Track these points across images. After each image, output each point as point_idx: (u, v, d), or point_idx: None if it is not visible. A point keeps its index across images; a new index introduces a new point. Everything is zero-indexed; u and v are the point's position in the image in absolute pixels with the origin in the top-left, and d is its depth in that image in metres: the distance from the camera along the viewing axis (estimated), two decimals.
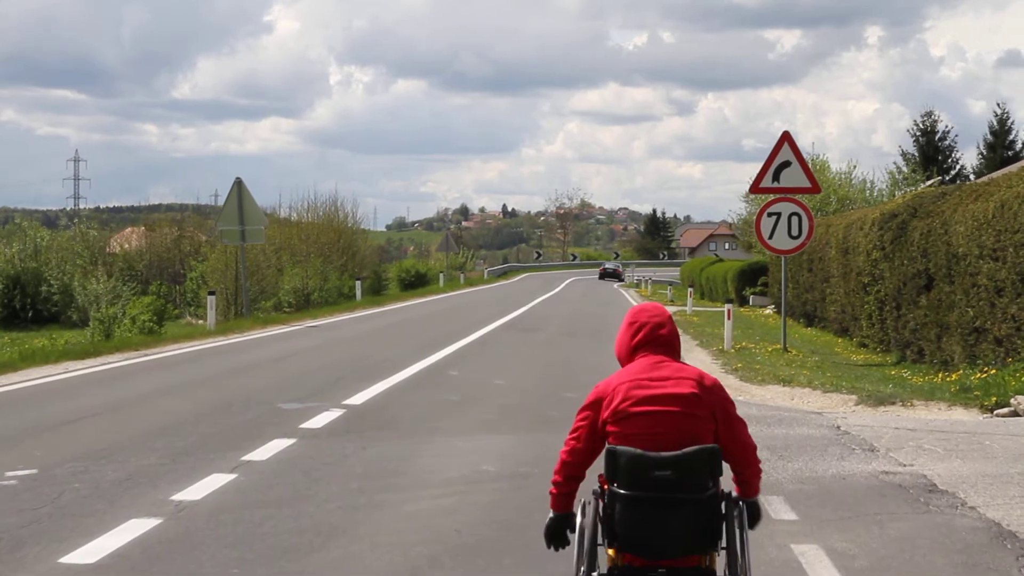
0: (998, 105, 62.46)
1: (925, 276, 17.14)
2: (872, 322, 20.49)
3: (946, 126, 59.89)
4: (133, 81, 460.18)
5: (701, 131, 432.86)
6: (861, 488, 8.47)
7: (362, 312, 34.33)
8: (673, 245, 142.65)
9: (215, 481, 8.38)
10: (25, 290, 41.95)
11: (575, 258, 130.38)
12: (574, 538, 4.39)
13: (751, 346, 20.95)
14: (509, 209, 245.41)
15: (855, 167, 55.66)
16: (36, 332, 35.18)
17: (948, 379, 14.76)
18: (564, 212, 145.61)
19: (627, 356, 4.59)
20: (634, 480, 4.24)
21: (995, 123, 59.22)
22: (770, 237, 19.99)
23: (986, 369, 14.15)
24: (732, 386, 14.36)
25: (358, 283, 43.09)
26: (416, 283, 59.24)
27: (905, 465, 9.33)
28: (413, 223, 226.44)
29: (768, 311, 35.29)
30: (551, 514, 4.47)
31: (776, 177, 19.91)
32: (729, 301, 23.51)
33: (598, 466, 4.44)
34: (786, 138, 20.11)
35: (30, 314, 41.50)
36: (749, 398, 13.75)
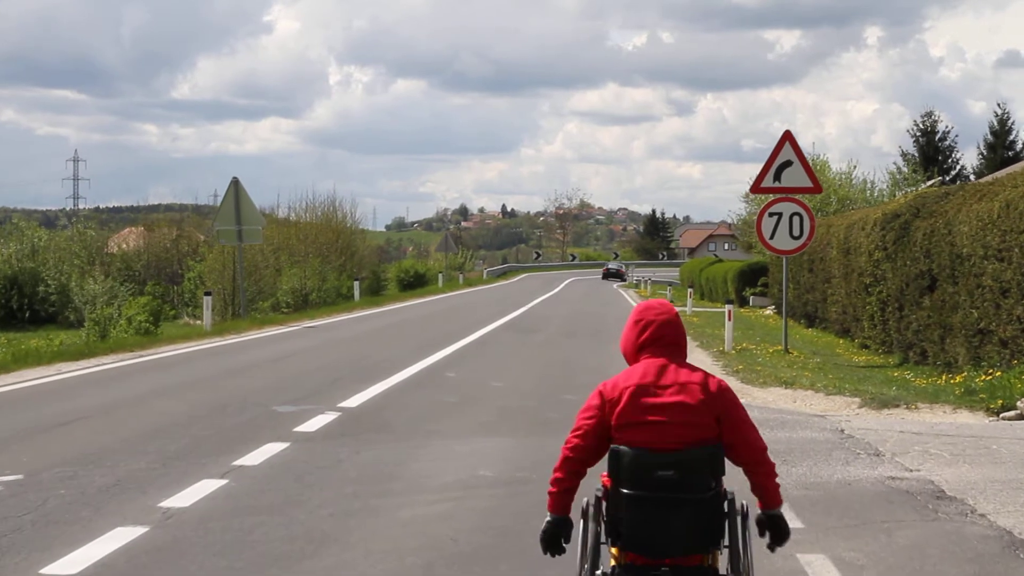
0: (998, 105, 62.30)
1: (928, 277, 16.93)
2: (874, 323, 20.27)
3: (946, 126, 59.73)
4: (133, 81, 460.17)
5: (700, 131, 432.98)
6: (867, 494, 8.26)
7: (360, 312, 34.12)
8: (672, 245, 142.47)
9: (205, 487, 8.16)
10: (22, 290, 41.77)
11: (574, 258, 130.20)
12: (574, 541, 4.36)
13: (752, 347, 20.73)
14: (508, 209, 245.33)
15: (855, 167, 55.43)
16: (33, 332, 34.97)
17: (952, 381, 14.54)
18: (563, 212, 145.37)
19: (633, 354, 4.51)
20: (637, 480, 4.24)
21: (995, 123, 58.99)
22: (771, 237, 19.78)
23: (991, 371, 13.93)
24: (733, 388, 14.10)
25: (356, 283, 42.89)
26: (415, 283, 59.06)
27: (912, 470, 9.11)
28: (412, 223, 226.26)
29: (768, 312, 35.09)
30: (548, 517, 4.37)
31: (777, 177, 19.70)
32: (729, 302, 23.30)
33: (600, 466, 4.40)
34: (787, 137, 19.90)
35: (27, 314, 41.32)
36: (751, 400, 13.51)
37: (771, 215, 19.76)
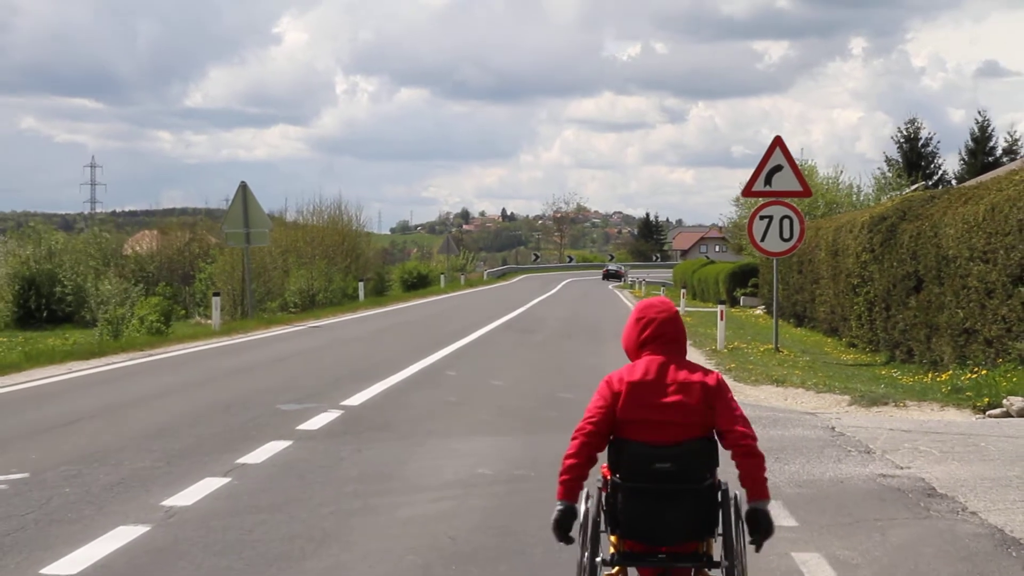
0: (979, 113, 62.34)
1: (914, 278, 16.72)
2: (861, 323, 20.06)
3: (929, 133, 59.55)
4: (148, 90, 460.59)
5: (692, 138, 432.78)
6: (860, 492, 8.03)
7: (365, 312, 33.89)
8: (666, 248, 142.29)
9: (208, 485, 7.93)
10: (40, 291, 41.59)
11: (571, 260, 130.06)
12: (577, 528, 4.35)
13: (743, 346, 20.51)
14: (508, 213, 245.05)
15: (842, 172, 55.14)
16: (50, 332, 34.74)
17: (938, 379, 14.32)
18: (561, 216, 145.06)
19: (635, 351, 4.52)
20: (636, 471, 4.27)
21: (976, 130, 58.85)
22: (762, 239, 19.57)
23: (976, 369, 13.72)
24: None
25: (361, 284, 42.67)
26: (418, 284, 58.83)
27: (902, 468, 8.89)
28: (416, 226, 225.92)
29: (758, 311, 34.86)
30: (559, 505, 4.31)
31: (768, 181, 19.48)
32: (722, 302, 23.05)
33: (600, 457, 4.43)
34: (778, 143, 19.68)
35: (44, 314, 41.13)
36: (743, 398, 13.28)
37: (762, 218, 19.55)
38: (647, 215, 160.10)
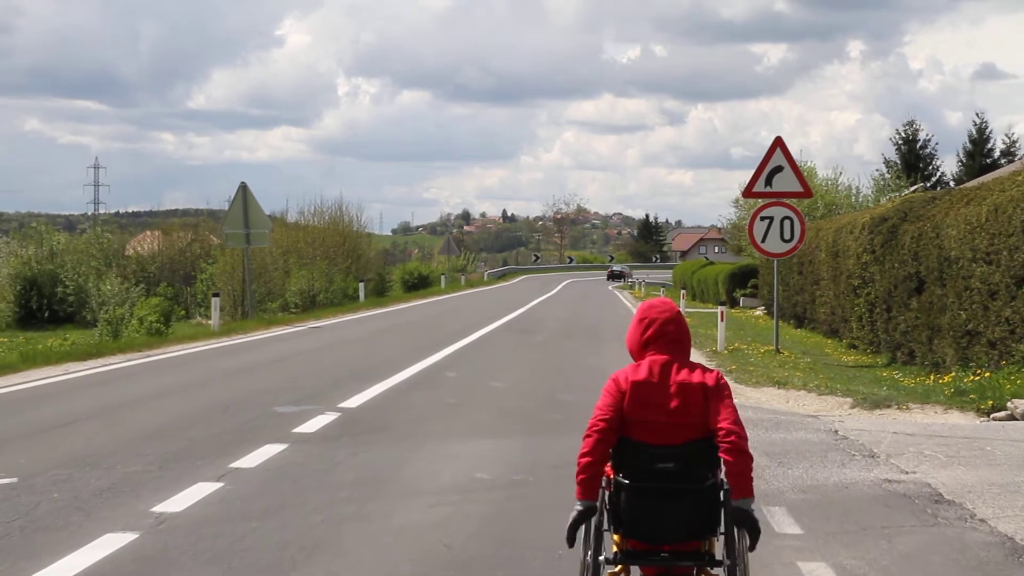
0: (977, 115, 62.09)
1: (916, 279, 16.48)
2: (862, 324, 19.82)
3: (927, 135, 59.31)
4: (151, 92, 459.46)
5: (691, 140, 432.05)
6: (865, 498, 7.80)
7: (365, 313, 33.66)
8: (665, 249, 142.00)
9: (200, 490, 7.70)
10: (41, 291, 41.41)
11: (571, 261, 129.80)
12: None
13: (744, 347, 20.28)
14: (509, 214, 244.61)
15: (841, 174, 54.85)
16: (51, 332, 34.52)
17: (941, 381, 14.09)
18: (561, 217, 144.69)
19: (638, 351, 4.51)
20: (638, 471, 4.29)
21: (974, 132, 58.62)
22: (763, 240, 19.34)
23: (979, 372, 13.48)
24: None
25: (362, 285, 42.43)
26: (419, 285, 58.57)
27: (907, 472, 8.65)
28: (417, 227, 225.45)
29: (758, 312, 34.63)
30: (579, 505, 4.30)
31: (769, 181, 19.25)
32: (722, 303, 22.82)
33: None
34: (779, 143, 19.45)
35: (46, 315, 40.93)
36: (744, 400, 13.06)
37: (763, 219, 19.32)
38: (647, 216, 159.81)
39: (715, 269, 50.52)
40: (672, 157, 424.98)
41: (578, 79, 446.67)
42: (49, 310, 41.14)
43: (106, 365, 16.45)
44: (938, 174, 58.65)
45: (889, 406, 12.41)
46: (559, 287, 66.02)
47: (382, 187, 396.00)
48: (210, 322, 29.13)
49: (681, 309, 30.44)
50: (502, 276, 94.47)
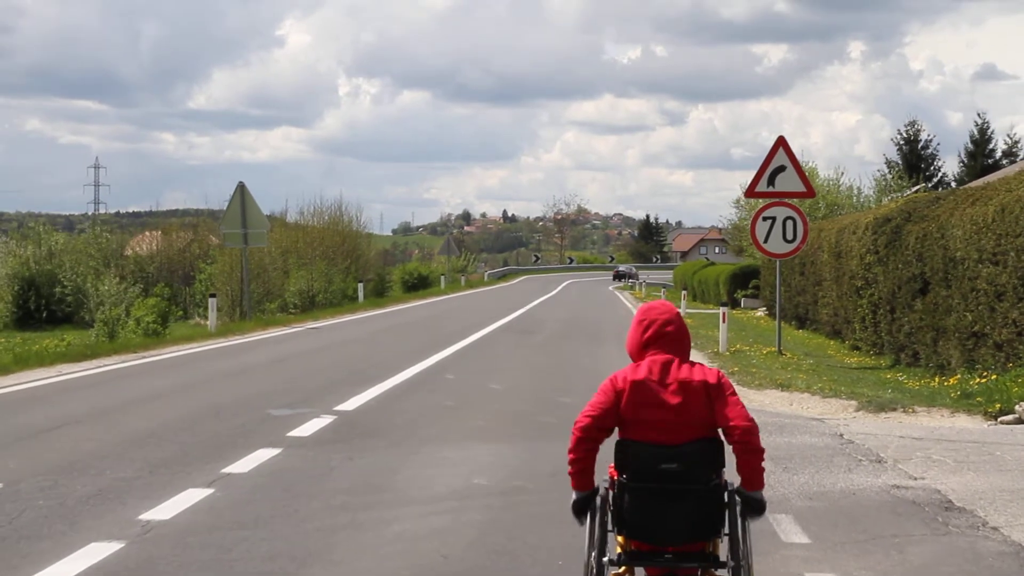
0: (978, 115, 61.79)
1: (920, 280, 16.26)
2: (865, 325, 19.60)
3: (929, 135, 59.09)
4: (151, 92, 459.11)
5: (692, 141, 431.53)
6: (873, 505, 7.58)
7: (364, 314, 33.44)
8: (666, 249, 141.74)
9: (190, 497, 7.48)
10: (39, 291, 41.26)
11: (572, 261, 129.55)
12: (582, 530, 4.41)
13: (746, 348, 20.06)
14: (509, 214, 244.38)
15: (843, 174, 54.64)
16: (48, 332, 34.33)
17: (946, 384, 13.87)
18: (561, 217, 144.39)
19: (638, 353, 4.52)
20: (642, 472, 4.27)
21: (975, 132, 58.40)
22: (765, 241, 19.10)
23: (986, 374, 13.26)
24: None
25: (361, 285, 42.22)
26: (419, 285, 58.35)
27: (916, 478, 8.44)
28: (417, 228, 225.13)
29: (759, 313, 34.41)
30: (575, 494, 4.42)
31: (771, 181, 19.01)
32: (724, 304, 22.60)
33: (608, 458, 4.41)
34: (781, 143, 19.21)
35: (44, 315, 40.76)
36: (748, 403, 12.62)
37: (765, 219, 19.09)
38: (647, 217, 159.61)
39: (716, 270, 50.30)
40: (672, 157, 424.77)
41: (579, 79, 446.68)
42: (47, 310, 40.99)
43: (100, 367, 16.23)
44: (939, 175, 58.47)
45: (895, 409, 12.19)
46: (559, 288, 65.80)
47: (382, 187, 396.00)
48: (208, 323, 28.93)
49: (682, 310, 30.33)
50: (502, 277, 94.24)
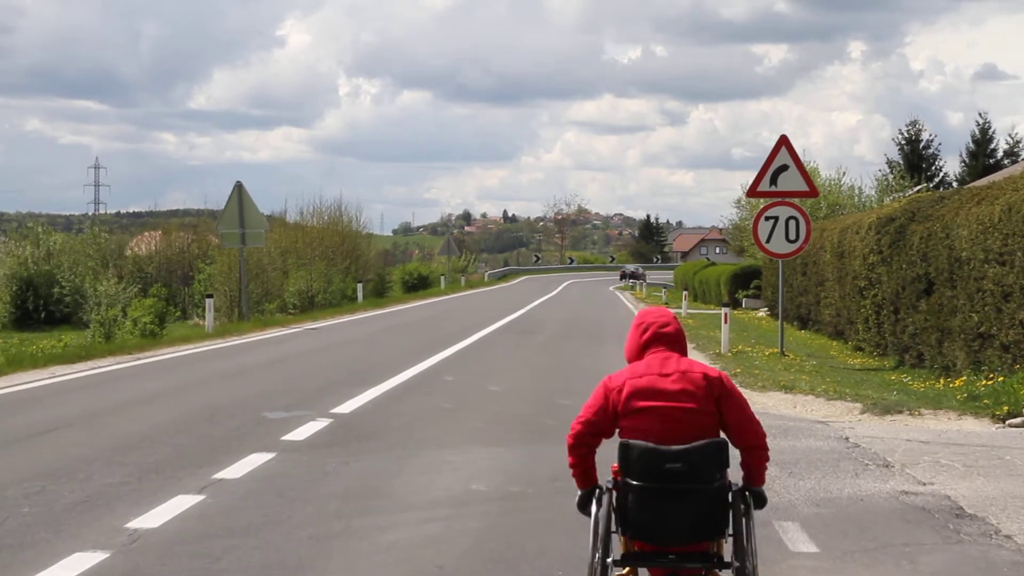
0: (980, 115, 61.62)
1: (925, 280, 16.05)
2: (869, 326, 19.38)
3: (930, 135, 58.86)
4: (152, 92, 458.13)
5: (692, 141, 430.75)
6: (882, 512, 7.37)
7: (363, 314, 33.23)
8: (666, 249, 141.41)
9: (179, 504, 7.27)
10: (38, 292, 40.98)
11: (572, 261, 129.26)
12: (586, 530, 4.43)
13: (748, 349, 19.85)
14: (509, 215, 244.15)
15: (844, 174, 54.43)
16: (46, 333, 34.09)
17: (951, 385, 13.66)
18: (562, 217, 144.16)
19: (636, 355, 4.60)
20: (646, 472, 4.27)
21: (977, 132, 58.17)
22: (767, 241, 18.89)
23: (992, 376, 13.05)
24: None
25: (360, 286, 42.00)
26: (419, 285, 58.12)
27: (925, 484, 8.23)
28: (418, 228, 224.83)
29: (761, 313, 34.21)
30: (579, 492, 4.57)
31: (774, 181, 18.80)
32: (725, 304, 22.39)
33: (612, 458, 4.42)
34: (784, 142, 18.99)
35: (42, 315, 40.51)
36: (751, 405, 12.59)
37: (767, 219, 18.88)
38: (648, 217, 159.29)
39: (717, 270, 50.08)
40: (673, 158, 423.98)
41: (579, 79, 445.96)
42: (45, 311, 40.73)
43: (94, 368, 16.02)
44: (941, 174, 58.26)
45: (900, 412, 11.98)
46: (560, 288, 65.57)
47: (383, 187, 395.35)
48: (205, 323, 28.73)
49: (684, 310, 30.08)
50: (503, 277, 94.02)
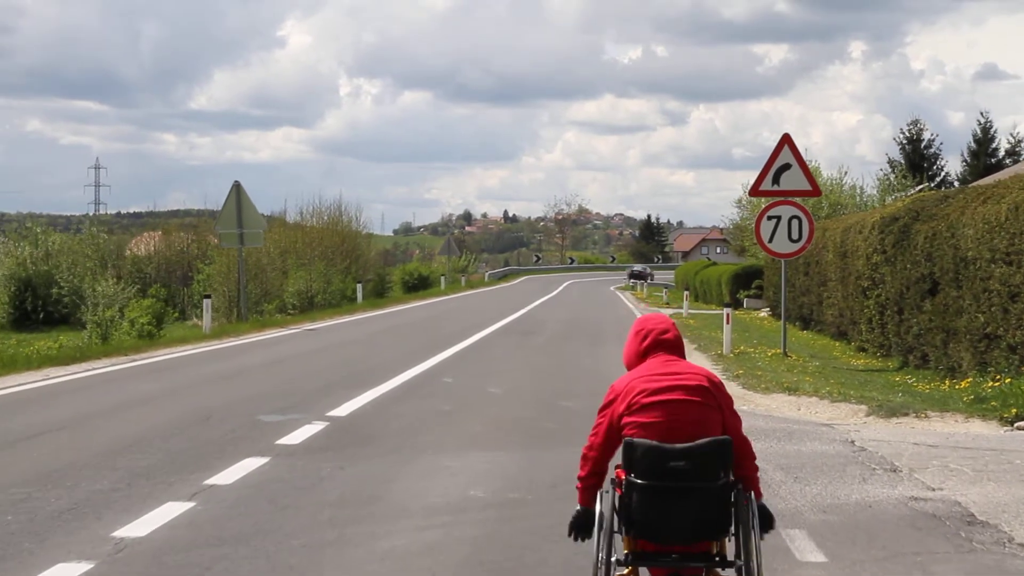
0: (981, 114, 61.44)
1: (930, 280, 15.84)
2: (872, 326, 19.17)
3: (931, 134, 58.66)
4: (152, 93, 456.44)
5: (693, 141, 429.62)
6: (891, 519, 7.16)
7: (362, 315, 33.03)
8: (667, 249, 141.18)
9: (169, 511, 7.06)
10: (36, 292, 40.73)
11: (573, 261, 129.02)
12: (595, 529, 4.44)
13: (750, 350, 19.64)
14: (510, 215, 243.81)
15: (846, 173, 54.19)
16: (45, 333, 33.88)
17: (957, 387, 13.46)
18: (562, 217, 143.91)
19: (636, 361, 4.66)
20: (650, 470, 4.26)
21: (978, 132, 57.96)
22: (770, 240, 18.66)
23: (999, 377, 12.84)
24: (736, 394, 13.00)
25: (359, 286, 41.78)
26: (419, 286, 57.90)
27: (934, 489, 8.02)
28: (419, 228, 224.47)
29: (763, 314, 34.00)
30: (578, 508, 4.58)
31: (776, 180, 18.57)
32: (728, 305, 22.17)
33: (615, 458, 4.49)
34: (786, 141, 18.77)
35: (41, 316, 40.26)
36: (754, 408, 12.43)
37: (770, 218, 18.66)
38: (648, 217, 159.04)
39: (718, 270, 49.86)
40: (673, 158, 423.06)
41: (579, 80, 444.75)
42: (44, 311, 40.48)
43: (89, 370, 15.81)
44: (942, 174, 58.07)
45: (906, 414, 11.76)
46: (560, 288, 65.36)
47: (383, 188, 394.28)
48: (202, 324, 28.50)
49: (685, 310, 29.88)
50: (503, 277, 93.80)
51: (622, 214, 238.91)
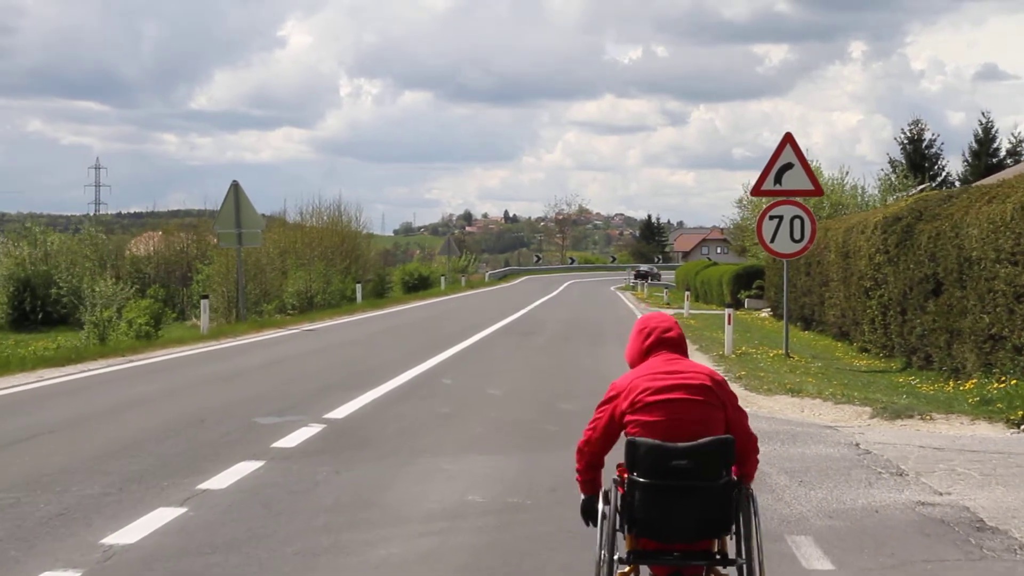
0: (983, 114, 61.24)
1: (933, 280, 15.67)
2: (875, 327, 19.00)
3: (933, 134, 58.54)
4: (153, 93, 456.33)
5: (693, 141, 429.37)
6: (899, 524, 6.99)
7: (362, 315, 32.86)
8: (667, 249, 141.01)
9: (160, 517, 6.90)
10: (35, 292, 40.62)
11: (573, 261, 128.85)
12: (592, 529, 4.51)
13: (752, 351, 19.47)
14: (510, 215, 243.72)
15: (847, 173, 54.05)
16: (44, 334, 33.77)
17: (962, 388, 13.29)
18: (563, 218, 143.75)
19: (639, 359, 4.65)
20: (653, 469, 4.25)
21: (980, 131, 57.83)
22: (772, 240, 18.49)
23: (1004, 379, 12.67)
24: (738, 396, 12.81)
25: (359, 286, 41.62)
26: (419, 286, 57.73)
27: (942, 494, 7.85)
28: (419, 228, 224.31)
29: (764, 314, 33.83)
30: (583, 497, 4.63)
31: (778, 179, 18.40)
32: (729, 306, 22.01)
33: (618, 456, 4.44)
34: (788, 140, 18.60)
35: (40, 316, 40.15)
36: (757, 409, 12.26)
37: (772, 218, 18.49)
38: (649, 217, 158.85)
39: (719, 270, 49.69)
40: (674, 158, 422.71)
41: (579, 80, 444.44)
42: (43, 312, 40.38)
43: (84, 371, 15.64)
44: (944, 174, 57.94)
45: (911, 416, 11.59)
46: (561, 288, 65.18)
47: (384, 188, 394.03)
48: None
49: (686, 310, 29.72)
50: (503, 277, 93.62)
51: (622, 214, 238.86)
